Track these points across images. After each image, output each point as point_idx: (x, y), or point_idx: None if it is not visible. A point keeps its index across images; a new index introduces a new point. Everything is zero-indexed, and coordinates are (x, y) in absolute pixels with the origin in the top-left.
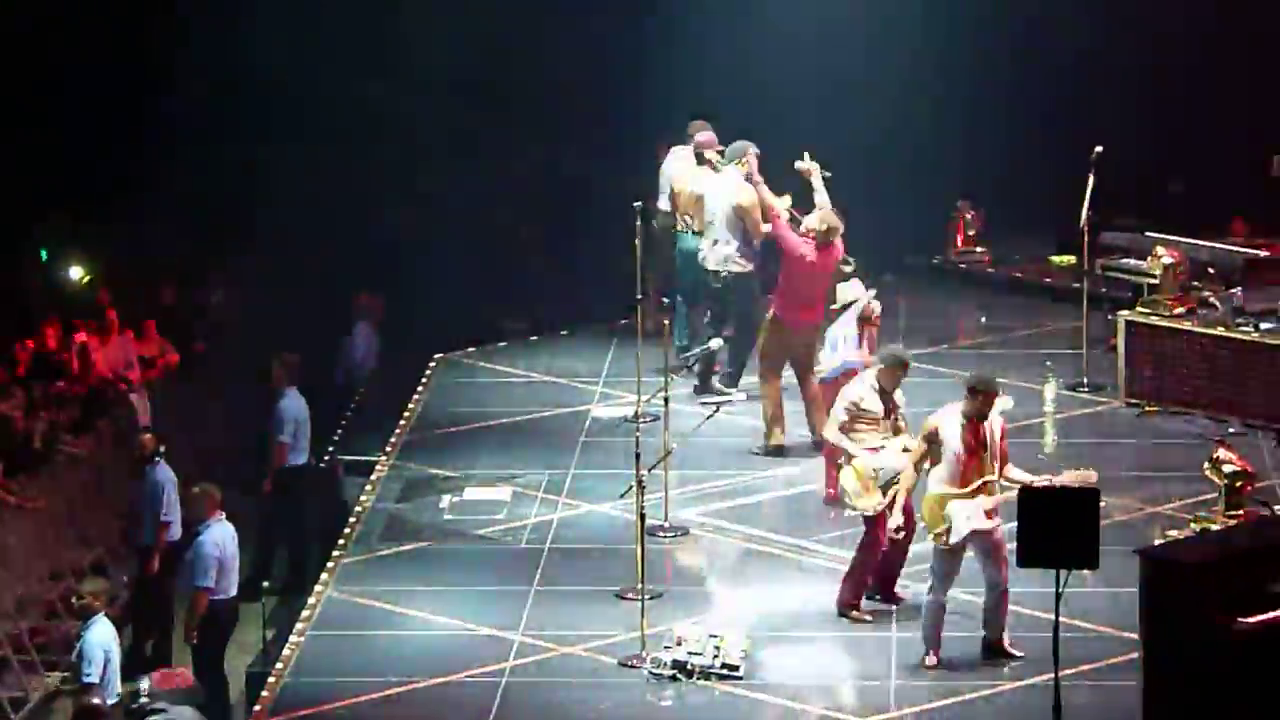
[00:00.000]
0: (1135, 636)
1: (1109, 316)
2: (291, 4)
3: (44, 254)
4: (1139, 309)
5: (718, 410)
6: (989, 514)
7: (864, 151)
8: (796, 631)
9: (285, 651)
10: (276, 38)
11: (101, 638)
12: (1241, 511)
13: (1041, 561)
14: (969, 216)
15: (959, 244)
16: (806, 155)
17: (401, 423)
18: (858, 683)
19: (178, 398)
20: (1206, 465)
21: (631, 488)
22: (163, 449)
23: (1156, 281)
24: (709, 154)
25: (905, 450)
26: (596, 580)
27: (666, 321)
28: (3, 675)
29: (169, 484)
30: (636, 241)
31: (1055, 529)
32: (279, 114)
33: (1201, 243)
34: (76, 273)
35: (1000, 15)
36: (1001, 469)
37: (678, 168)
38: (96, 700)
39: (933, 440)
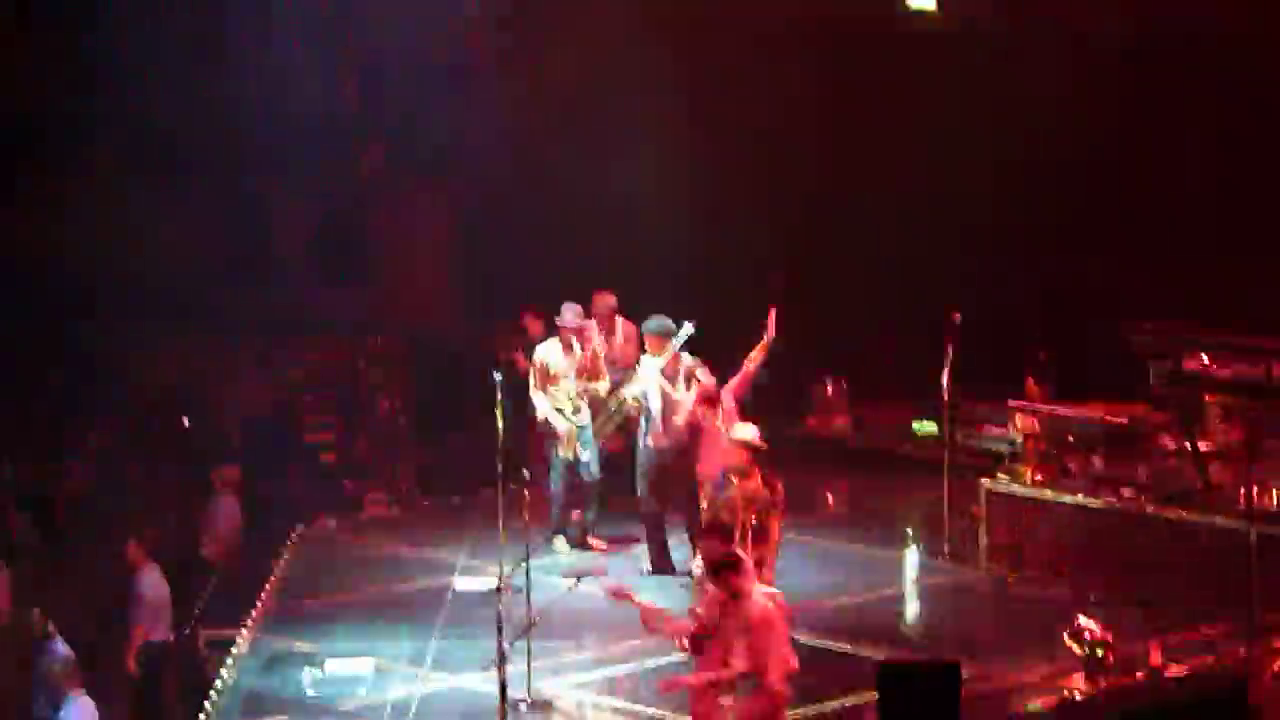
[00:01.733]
0: None
1: (973, 485)
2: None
3: None
4: (999, 477)
5: (579, 582)
6: None
7: (720, 321)
8: None
9: None
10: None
11: None
12: (1104, 680)
13: None
14: (829, 386)
15: (821, 414)
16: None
17: (263, 596)
18: None
19: (37, 576)
20: (1068, 634)
21: (494, 661)
22: (51, 628)
23: (1017, 450)
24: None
25: None
26: None
27: (527, 491)
28: None
29: (68, 660)
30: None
31: (915, 703)
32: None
33: (1063, 411)
34: None
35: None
36: None
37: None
38: None
39: None
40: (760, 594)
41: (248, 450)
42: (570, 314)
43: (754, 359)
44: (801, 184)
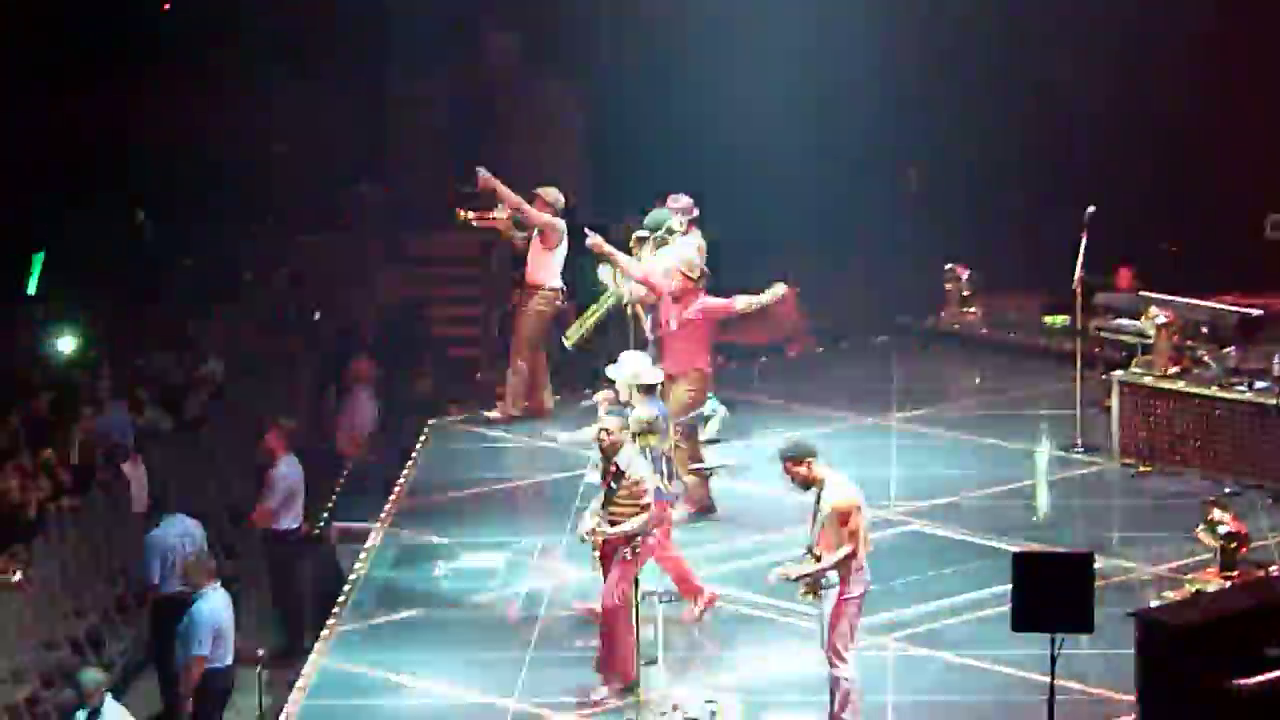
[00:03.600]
0: (1131, 699)
1: (1103, 377)
2: None
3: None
4: (1132, 369)
5: (711, 475)
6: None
7: (856, 214)
8: (793, 696)
9: None
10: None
11: None
12: (1236, 572)
13: (1035, 626)
14: (962, 278)
15: (952, 306)
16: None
17: (396, 490)
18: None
19: (173, 467)
20: (1201, 526)
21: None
22: (171, 504)
23: (1150, 342)
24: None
25: None
26: (592, 646)
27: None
28: None
29: (196, 538)
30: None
31: (1049, 593)
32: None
33: (1196, 302)
34: (69, 343)
35: (994, 77)
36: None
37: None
38: None
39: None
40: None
41: (381, 344)
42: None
43: (747, 303)
44: (927, 75)
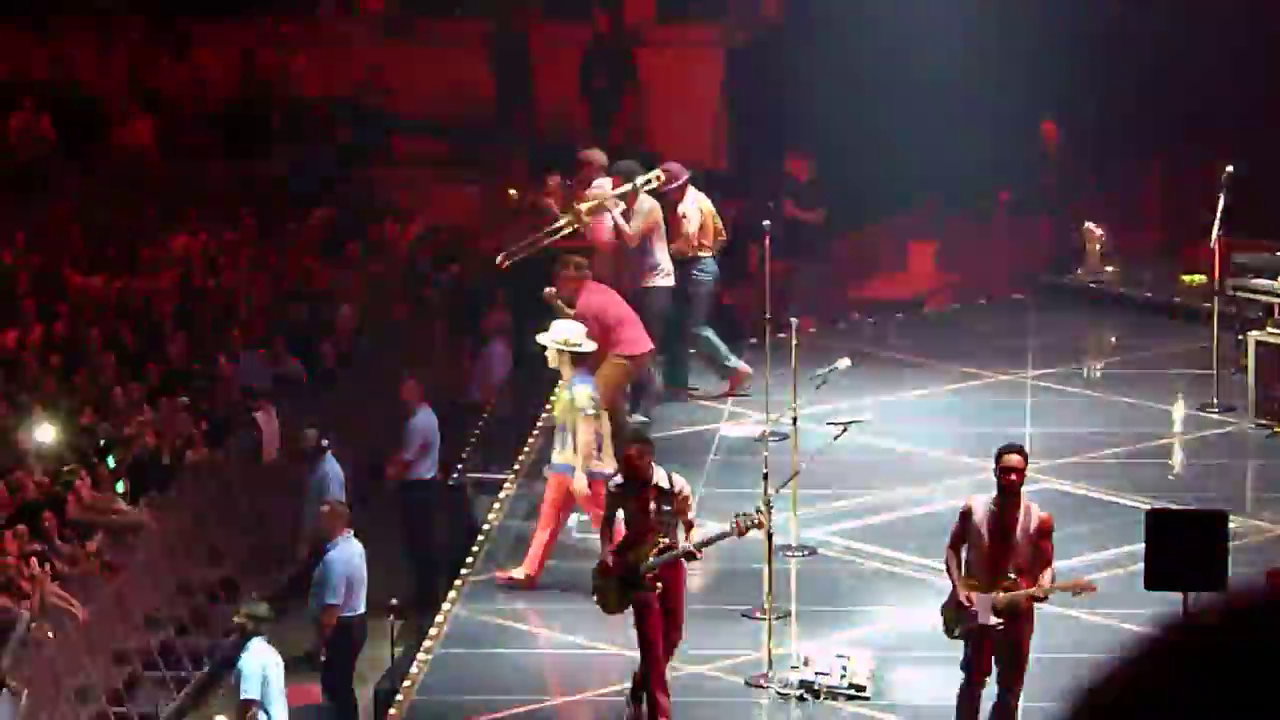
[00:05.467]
0: None
1: (1239, 337)
2: None
3: None
4: (1269, 329)
5: (846, 429)
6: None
7: (998, 171)
8: (925, 651)
9: (413, 669)
10: None
11: (260, 657)
12: None
13: (1168, 585)
14: (1099, 236)
15: (1089, 264)
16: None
17: (530, 440)
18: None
19: (307, 414)
20: None
21: (760, 510)
22: (326, 443)
23: None
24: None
25: None
26: (724, 600)
27: (795, 341)
28: (134, 690)
29: (336, 478)
30: (765, 259)
31: (1182, 552)
32: None
33: None
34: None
35: (1125, 32)
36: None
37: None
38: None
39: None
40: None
41: (517, 295)
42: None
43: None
44: (1067, 25)
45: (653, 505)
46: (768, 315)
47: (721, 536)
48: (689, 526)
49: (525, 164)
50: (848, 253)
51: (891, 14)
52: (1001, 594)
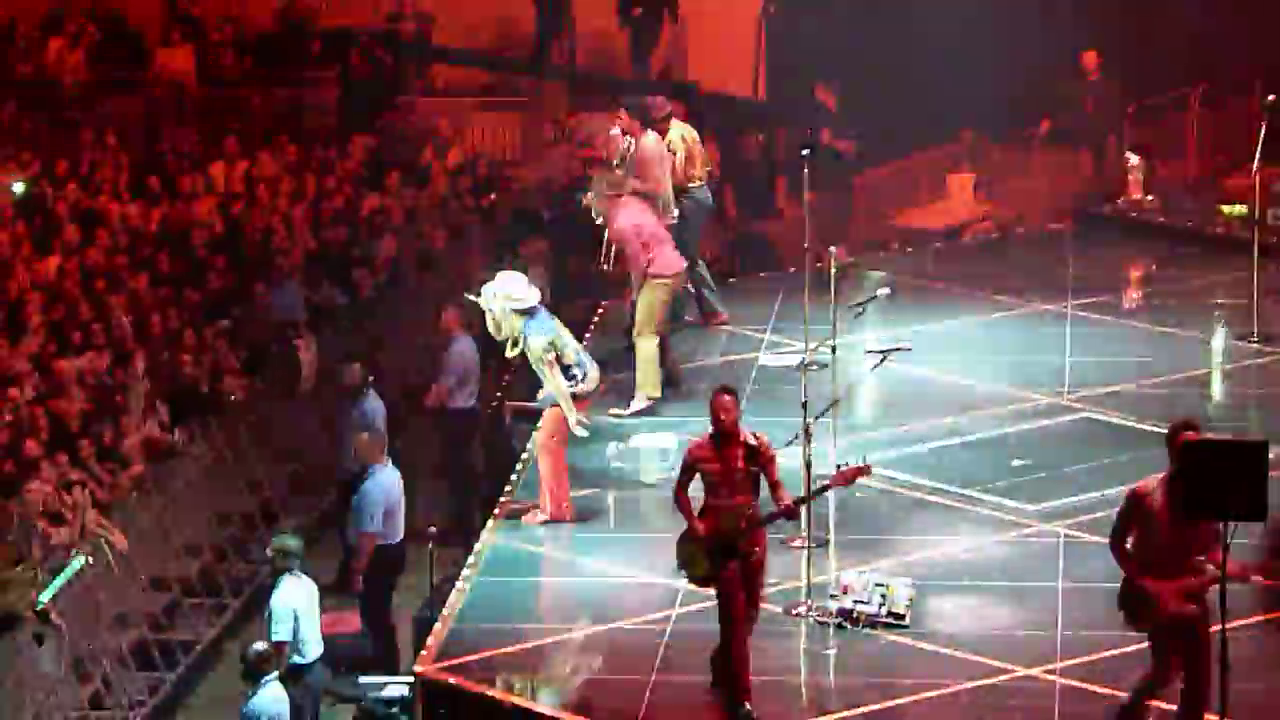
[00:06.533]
0: None
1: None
2: None
3: None
4: None
5: (886, 358)
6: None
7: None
8: (963, 581)
9: (451, 597)
10: None
11: (291, 597)
12: None
13: (1208, 514)
14: (1138, 165)
15: (1130, 194)
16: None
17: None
18: (1024, 633)
19: (346, 344)
20: None
21: (798, 436)
22: (372, 379)
23: None
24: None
25: None
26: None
27: (834, 270)
28: (174, 617)
29: (379, 414)
30: (804, 189)
31: (1221, 481)
32: None
33: None
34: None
35: None
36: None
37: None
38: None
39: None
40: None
41: (554, 224)
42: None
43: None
44: None
45: (740, 463)
46: (806, 245)
47: (824, 489)
48: (776, 485)
49: (565, 94)
50: (888, 180)
51: None
52: (1195, 579)
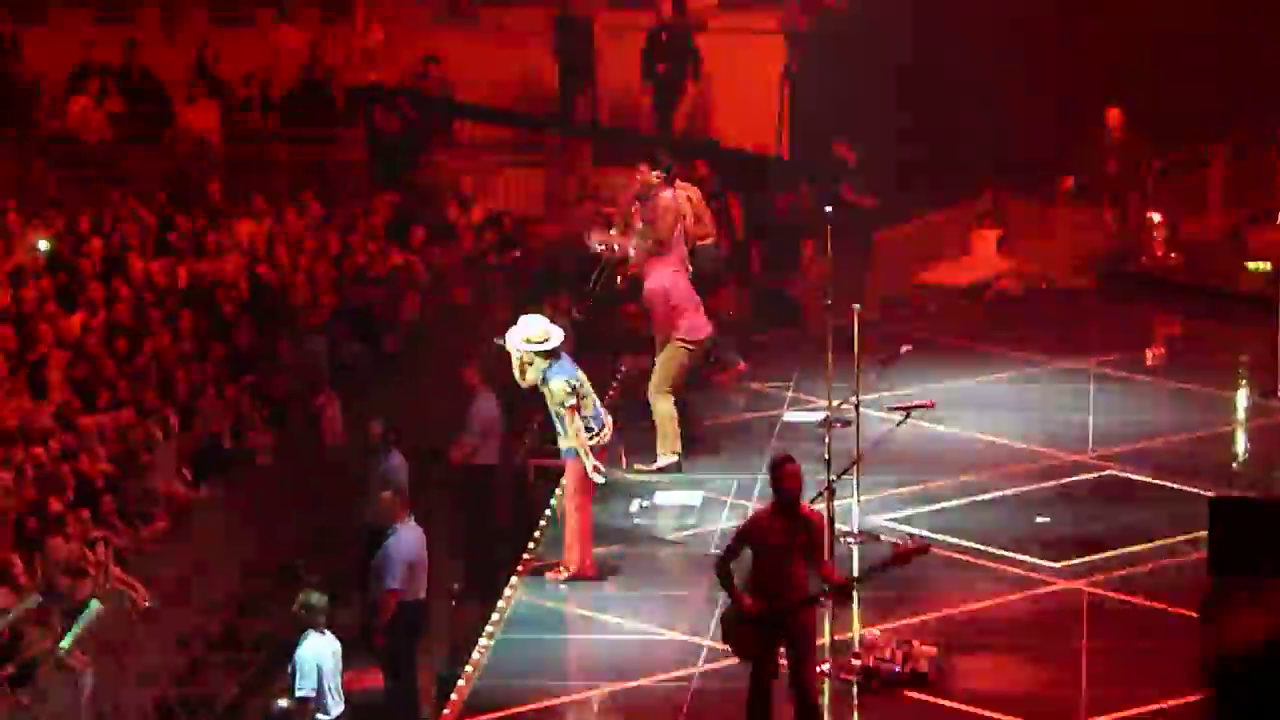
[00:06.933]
0: None
1: None
2: None
3: None
4: None
5: (909, 416)
6: None
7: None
8: (985, 640)
9: (474, 654)
10: None
11: (315, 652)
12: None
13: (1233, 571)
14: (1160, 224)
15: (1153, 252)
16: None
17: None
18: (1047, 692)
19: (370, 400)
20: None
21: (821, 494)
22: (395, 435)
23: None
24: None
25: None
26: None
27: (856, 326)
28: (197, 673)
29: (402, 470)
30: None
31: (1247, 538)
32: None
33: None
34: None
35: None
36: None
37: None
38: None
39: None
40: None
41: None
42: None
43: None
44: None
45: (801, 535)
46: (829, 301)
47: (883, 566)
48: (821, 560)
49: (589, 150)
50: (911, 237)
51: (953, 3)
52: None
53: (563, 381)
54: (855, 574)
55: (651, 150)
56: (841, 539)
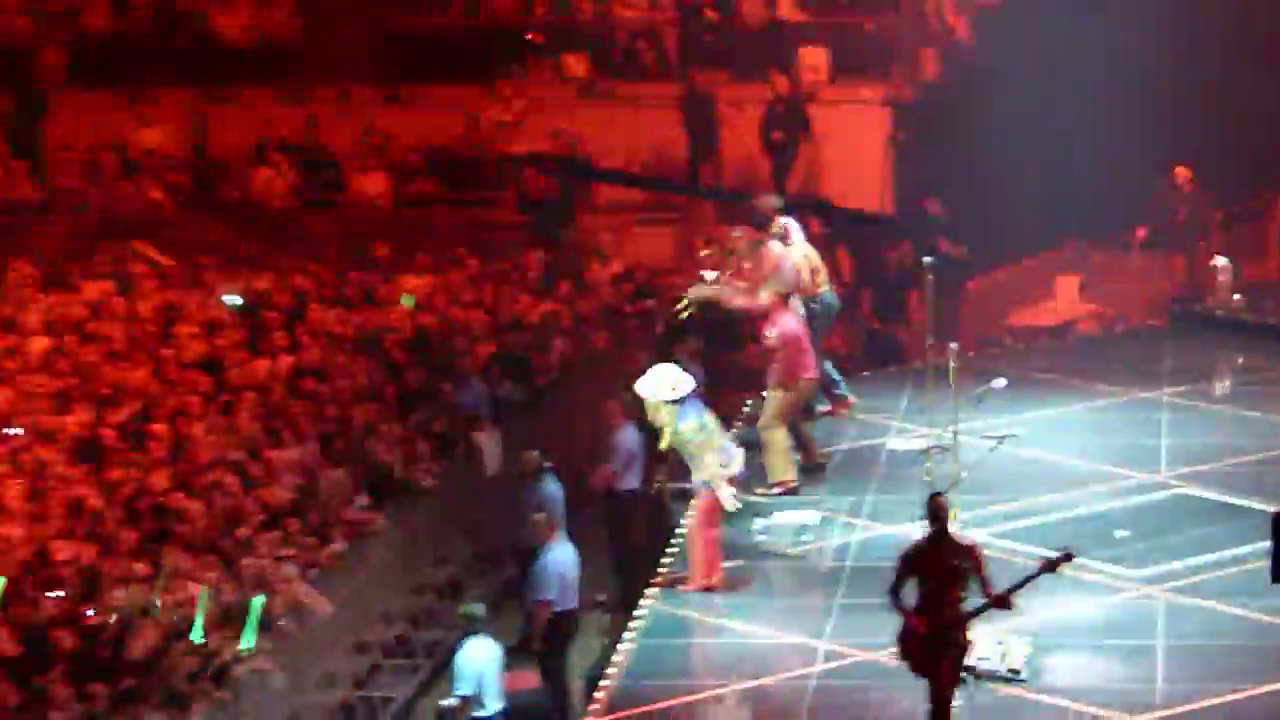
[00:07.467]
0: None
1: None
2: None
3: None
4: None
5: (1002, 442)
6: None
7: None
8: (1073, 640)
9: (617, 657)
10: None
11: (475, 657)
12: None
13: None
14: (1225, 268)
15: (1219, 294)
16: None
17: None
18: (1128, 686)
19: (524, 433)
20: None
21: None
22: (548, 465)
23: None
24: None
25: None
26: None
27: (953, 363)
28: (374, 677)
29: (557, 496)
30: (928, 290)
31: None
32: None
33: None
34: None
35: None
36: None
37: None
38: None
39: None
40: None
41: (708, 326)
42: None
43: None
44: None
45: (955, 560)
46: (929, 341)
47: (1029, 580)
48: (985, 580)
49: (713, 210)
50: (1002, 283)
51: (1037, 73)
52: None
53: (690, 424)
54: (1008, 587)
55: (752, 210)
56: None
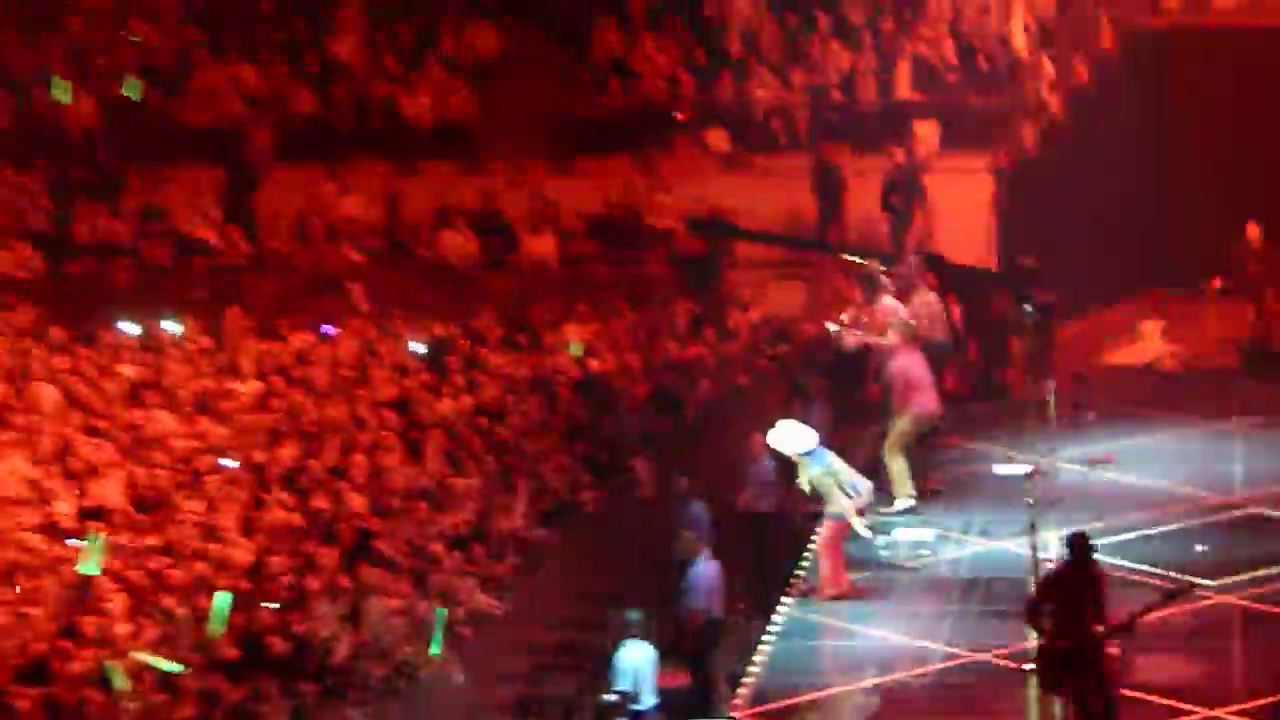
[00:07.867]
0: None
1: None
2: None
3: None
4: None
5: (1095, 468)
6: None
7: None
8: (1158, 642)
9: (758, 657)
10: None
11: (632, 657)
12: None
13: None
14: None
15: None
16: None
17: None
18: (1210, 681)
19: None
20: None
21: (1027, 530)
22: (693, 490)
23: None
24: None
25: None
26: (1003, 602)
27: (1050, 398)
28: (545, 675)
29: (705, 517)
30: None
31: None
32: None
33: None
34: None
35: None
36: None
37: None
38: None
39: None
40: None
41: (836, 367)
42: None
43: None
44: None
45: (1088, 590)
46: (1030, 379)
47: (1149, 610)
48: (1103, 606)
49: (840, 266)
50: (1093, 328)
51: (1122, 143)
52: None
53: (817, 469)
54: (1130, 614)
55: (865, 274)
56: (1043, 565)
